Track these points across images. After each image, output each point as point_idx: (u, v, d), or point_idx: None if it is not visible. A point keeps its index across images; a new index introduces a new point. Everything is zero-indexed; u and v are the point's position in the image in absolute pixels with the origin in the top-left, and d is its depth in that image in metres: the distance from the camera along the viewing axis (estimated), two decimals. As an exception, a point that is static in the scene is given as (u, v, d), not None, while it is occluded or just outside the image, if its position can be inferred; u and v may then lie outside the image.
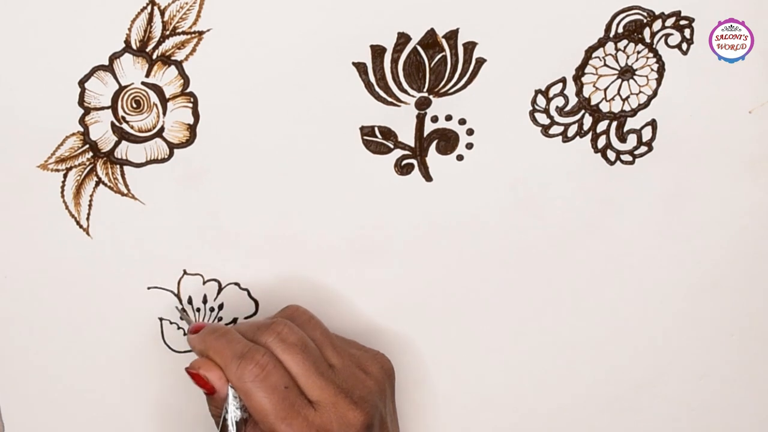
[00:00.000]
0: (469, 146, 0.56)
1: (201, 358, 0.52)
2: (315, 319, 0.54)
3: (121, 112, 0.52)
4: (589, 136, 0.57)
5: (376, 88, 0.53)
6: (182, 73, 0.51)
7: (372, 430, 0.51)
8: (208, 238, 0.55)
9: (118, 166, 0.53)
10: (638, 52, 0.55)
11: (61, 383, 0.58)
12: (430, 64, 0.53)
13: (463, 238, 0.58)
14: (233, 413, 0.51)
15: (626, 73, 0.55)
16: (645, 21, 0.54)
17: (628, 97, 0.56)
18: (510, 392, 0.63)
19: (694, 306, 0.63)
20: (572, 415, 0.64)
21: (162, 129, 0.53)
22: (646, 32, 0.54)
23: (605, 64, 0.55)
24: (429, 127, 0.55)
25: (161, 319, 0.57)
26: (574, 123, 0.56)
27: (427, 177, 0.56)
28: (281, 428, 0.49)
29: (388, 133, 0.55)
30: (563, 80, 0.55)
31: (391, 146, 0.55)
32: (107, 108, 0.52)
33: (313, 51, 0.52)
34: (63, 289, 0.56)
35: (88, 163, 0.53)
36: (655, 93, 0.56)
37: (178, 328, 0.58)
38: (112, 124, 0.52)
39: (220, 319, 0.58)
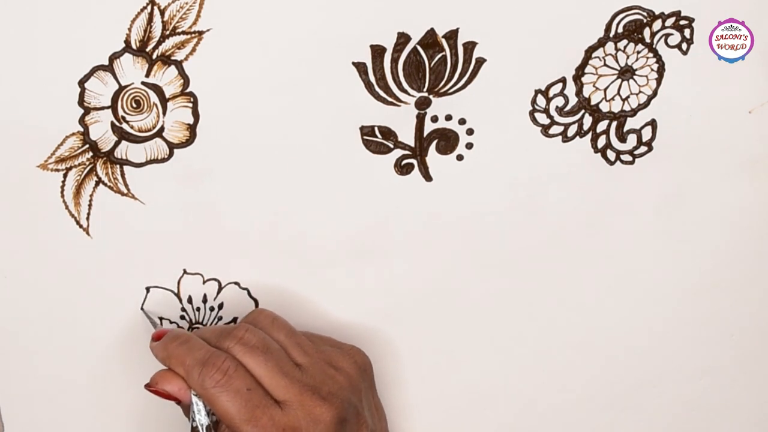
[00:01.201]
0: (469, 146, 0.56)
1: (159, 372, 0.52)
2: (279, 320, 0.54)
3: (121, 112, 0.52)
4: (589, 136, 0.57)
5: (376, 88, 0.53)
6: (182, 73, 0.51)
7: (346, 424, 0.51)
8: (208, 237, 0.55)
9: (118, 165, 0.53)
10: (638, 52, 0.55)
11: (60, 383, 0.58)
12: (430, 63, 0.53)
13: (463, 237, 0.58)
14: (202, 419, 0.51)
15: (626, 73, 0.55)
16: (645, 21, 0.54)
17: (628, 97, 0.56)
18: (510, 392, 0.63)
19: (694, 306, 0.63)
20: (572, 415, 0.64)
21: (162, 129, 0.53)
22: (646, 32, 0.54)
23: (605, 64, 0.55)
24: (429, 126, 0.55)
25: (161, 319, 0.57)
26: (574, 123, 0.56)
27: (427, 177, 0.56)
28: (247, 430, 0.49)
29: (388, 133, 0.55)
30: (563, 80, 0.55)
31: (391, 146, 0.55)
32: (107, 108, 0.52)
33: (313, 51, 0.52)
34: (63, 289, 0.56)
35: (88, 162, 0.53)
36: (655, 93, 0.56)
37: (178, 327, 0.58)
38: (112, 124, 0.52)
39: (221, 318, 0.58)
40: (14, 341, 0.57)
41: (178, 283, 0.57)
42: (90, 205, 0.54)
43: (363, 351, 0.55)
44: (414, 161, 0.56)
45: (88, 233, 0.54)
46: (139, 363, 0.58)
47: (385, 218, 0.57)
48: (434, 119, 0.55)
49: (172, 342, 0.52)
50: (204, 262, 0.56)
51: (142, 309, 0.57)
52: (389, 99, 0.54)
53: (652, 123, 0.57)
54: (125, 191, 0.54)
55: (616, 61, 0.55)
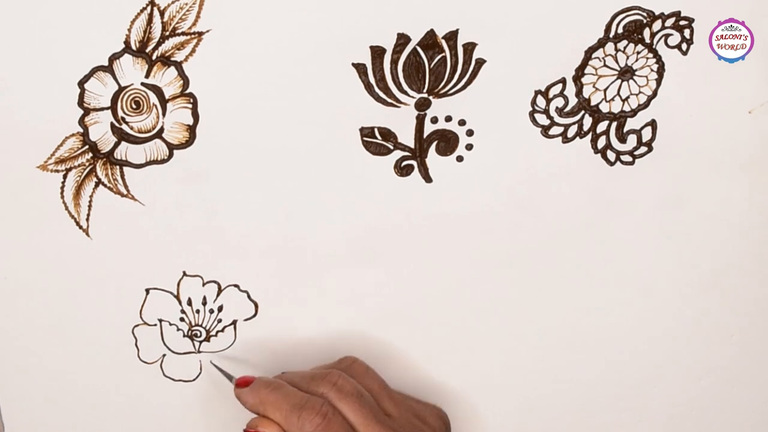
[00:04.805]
0: (469, 147, 0.56)
1: (256, 417, 0.53)
2: (371, 371, 0.56)
3: (120, 113, 0.52)
4: (589, 136, 0.57)
5: (376, 89, 0.53)
6: (182, 74, 0.51)
7: None
8: (207, 239, 0.55)
9: (117, 166, 0.53)
10: (638, 53, 0.55)
11: (60, 383, 0.58)
12: (430, 64, 0.53)
13: (463, 238, 0.58)
14: None
15: (626, 73, 0.55)
16: (645, 21, 0.54)
17: (627, 97, 0.56)
18: (510, 392, 0.63)
19: (694, 306, 0.63)
20: (572, 415, 0.64)
21: (162, 130, 0.53)
22: (646, 32, 0.54)
23: (605, 65, 0.55)
24: (429, 128, 0.55)
25: (161, 321, 0.57)
26: (573, 124, 0.56)
27: (427, 178, 0.56)
28: None
29: (387, 134, 0.55)
30: (563, 81, 0.55)
31: (391, 147, 0.55)
32: (107, 109, 0.52)
33: (313, 52, 0.52)
34: (63, 289, 0.56)
35: (87, 163, 0.53)
36: (654, 93, 0.56)
37: (178, 329, 0.58)
38: (112, 124, 0.52)
39: (220, 321, 0.58)
40: (14, 342, 0.57)
41: (178, 284, 0.57)
42: (90, 206, 0.54)
43: (444, 411, 0.57)
44: (414, 162, 0.56)
45: (87, 234, 0.54)
46: (139, 363, 0.58)
47: (385, 220, 0.57)
48: (434, 120, 0.55)
49: (264, 389, 0.53)
50: (203, 264, 0.56)
51: (212, 362, 0.58)
52: (389, 100, 0.54)
53: (652, 123, 0.57)
54: (125, 192, 0.54)
55: (616, 61, 0.55)
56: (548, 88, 0.55)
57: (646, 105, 0.56)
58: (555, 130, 0.56)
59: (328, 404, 0.51)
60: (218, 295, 0.57)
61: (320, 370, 0.55)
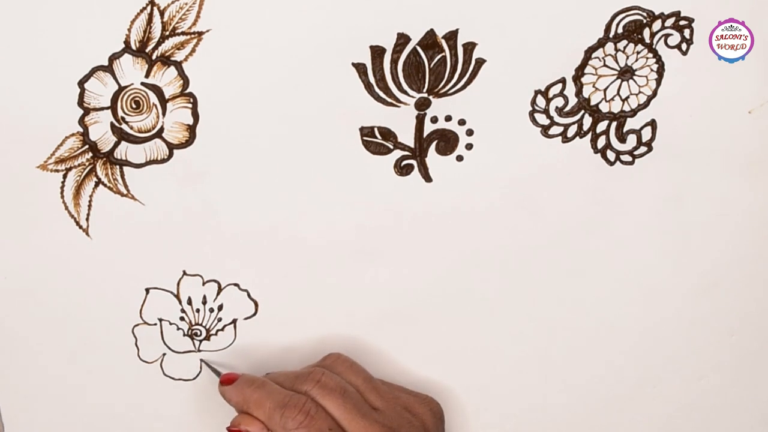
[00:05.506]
0: (469, 147, 0.56)
1: (240, 415, 0.53)
2: (356, 366, 0.56)
3: (120, 113, 0.52)
4: (589, 136, 0.57)
5: (376, 89, 0.53)
6: (182, 74, 0.51)
7: None
8: (207, 238, 0.55)
9: (117, 166, 0.53)
10: (638, 53, 0.55)
11: (60, 383, 0.58)
12: (430, 64, 0.53)
13: (463, 238, 0.58)
14: None
15: (626, 73, 0.55)
16: (645, 21, 0.54)
17: (627, 97, 0.56)
18: (509, 392, 0.63)
19: (694, 306, 0.63)
20: (572, 415, 0.64)
21: (161, 129, 0.53)
22: (646, 32, 0.54)
23: (605, 65, 0.55)
24: (429, 127, 0.55)
25: (161, 320, 0.57)
26: (573, 123, 0.56)
27: (427, 178, 0.56)
28: None
29: (387, 133, 0.55)
30: (563, 81, 0.55)
31: (391, 147, 0.55)
32: (107, 108, 0.52)
33: (312, 51, 0.52)
34: (63, 289, 0.56)
35: (87, 163, 0.53)
36: (654, 93, 0.56)
37: (178, 329, 0.58)
38: (112, 124, 0.52)
39: (220, 320, 0.58)
40: (14, 342, 0.57)
41: (178, 284, 0.57)
42: (90, 206, 0.54)
43: (436, 400, 0.57)
44: (414, 162, 0.56)
45: (87, 234, 0.54)
46: (139, 363, 0.58)
47: (384, 219, 0.57)
48: (434, 120, 0.55)
49: (247, 387, 0.53)
50: (203, 264, 0.56)
51: (202, 360, 0.58)
52: (389, 100, 0.54)
53: (652, 123, 0.57)
54: (125, 192, 0.54)
55: (616, 61, 0.55)
56: (548, 88, 0.55)
57: (645, 105, 0.56)
58: (555, 130, 0.56)
59: (311, 401, 0.51)
60: (218, 294, 0.57)
61: (304, 369, 0.55)
